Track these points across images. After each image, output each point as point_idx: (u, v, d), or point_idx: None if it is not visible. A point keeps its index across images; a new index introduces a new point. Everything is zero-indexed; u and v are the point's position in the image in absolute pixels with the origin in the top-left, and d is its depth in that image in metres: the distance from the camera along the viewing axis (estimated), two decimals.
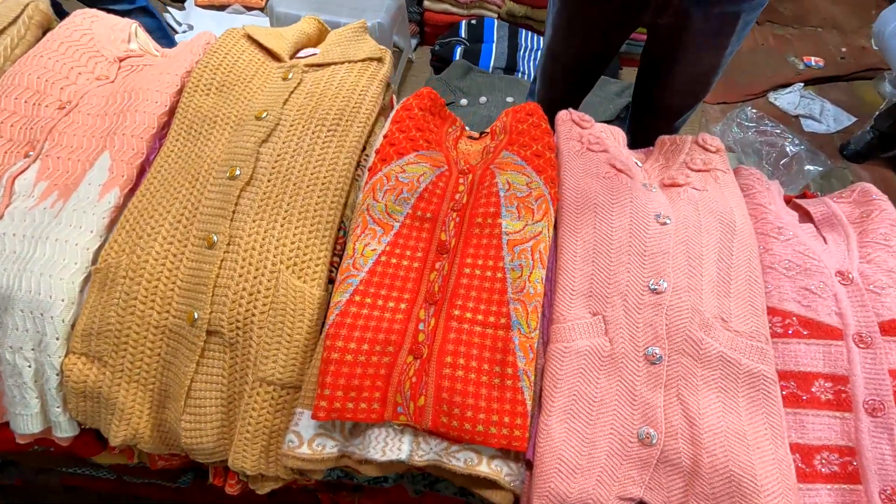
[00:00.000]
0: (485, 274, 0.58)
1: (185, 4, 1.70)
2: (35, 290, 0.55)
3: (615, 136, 0.73)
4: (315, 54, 0.80)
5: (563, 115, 0.73)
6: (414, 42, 1.75)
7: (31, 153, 0.65)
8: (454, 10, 1.64)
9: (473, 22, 1.58)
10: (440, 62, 1.52)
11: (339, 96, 0.69)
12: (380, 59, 0.77)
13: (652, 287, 0.57)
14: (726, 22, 0.68)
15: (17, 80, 0.69)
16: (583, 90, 0.89)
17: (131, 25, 0.84)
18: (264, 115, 0.66)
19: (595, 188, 0.64)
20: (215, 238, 0.57)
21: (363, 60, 0.76)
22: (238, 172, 0.61)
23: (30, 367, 0.55)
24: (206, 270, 0.56)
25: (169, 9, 1.68)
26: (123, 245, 0.58)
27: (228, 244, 0.57)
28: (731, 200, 0.65)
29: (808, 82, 1.81)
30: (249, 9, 1.74)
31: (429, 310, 0.56)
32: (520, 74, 1.49)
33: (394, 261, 0.59)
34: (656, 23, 0.71)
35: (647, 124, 0.89)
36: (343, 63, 0.75)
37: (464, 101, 1.34)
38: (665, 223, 0.61)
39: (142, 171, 0.66)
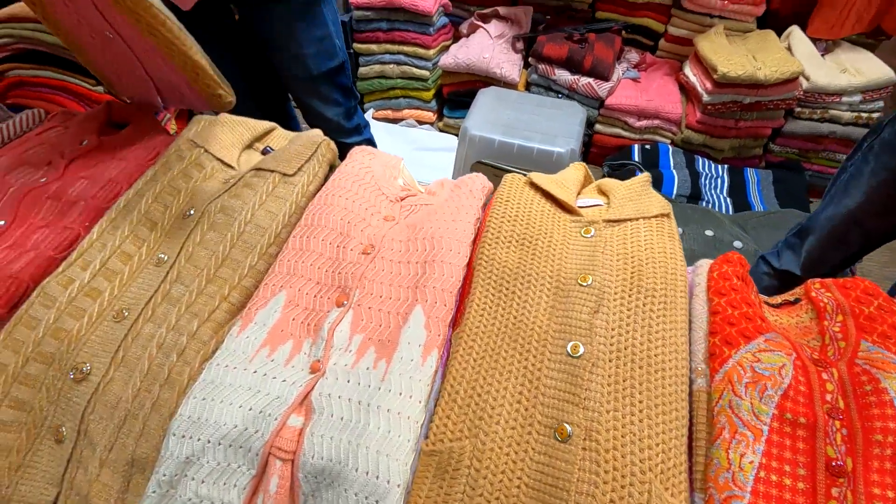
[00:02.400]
0: None
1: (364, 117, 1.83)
2: (373, 471, 0.50)
3: None
4: (599, 206, 0.77)
5: None
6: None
7: (346, 302, 0.63)
8: (625, 133, 1.65)
9: (647, 147, 1.57)
10: None
11: (656, 263, 0.64)
12: (668, 215, 0.73)
13: None
14: None
15: (322, 220, 0.70)
16: (865, 253, 0.81)
17: (400, 162, 0.86)
18: (589, 280, 0.61)
19: None
20: (569, 429, 0.50)
21: (656, 216, 0.72)
22: (581, 350, 0.55)
23: None
24: (561, 470, 0.49)
25: None
26: (460, 424, 0.52)
27: (585, 438, 0.50)
28: None
29: None
30: (421, 123, 1.84)
31: None
32: (705, 203, 1.43)
33: (774, 478, 0.49)
34: None
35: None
36: (638, 219, 0.71)
37: None
38: None
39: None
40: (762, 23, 1.75)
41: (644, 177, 0.79)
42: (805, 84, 1.51)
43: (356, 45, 1.73)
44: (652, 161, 1.53)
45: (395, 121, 1.84)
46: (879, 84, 1.46)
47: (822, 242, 0.83)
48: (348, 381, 0.56)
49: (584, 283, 0.61)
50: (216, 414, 0.52)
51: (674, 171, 1.49)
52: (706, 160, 1.56)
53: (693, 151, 1.58)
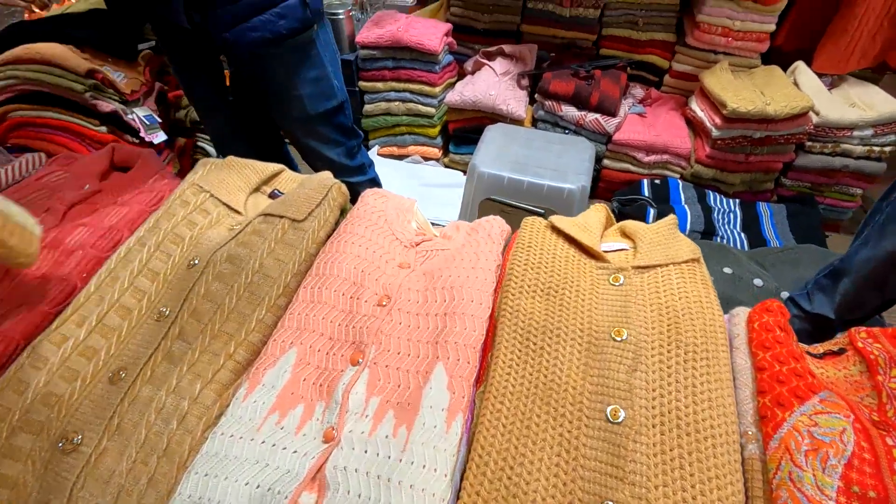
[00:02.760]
0: None
1: (369, 154, 1.82)
2: None
3: None
4: (624, 250, 0.74)
5: None
6: None
7: (361, 360, 0.58)
8: (634, 168, 1.64)
9: (657, 182, 1.55)
10: None
11: (694, 313, 0.60)
12: (698, 260, 0.69)
13: None
14: None
15: (334, 269, 0.66)
16: None
17: (414, 204, 0.83)
18: (624, 334, 0.57)
19: None
20: None
21: (686, 262, 0.68)
22: (622, 416, 0.50)
23: None
24: None
25: None
26: (492, 503, 0.47)
27: None
28: None
29: None
30: (426, 159, 1.82)
31: None
32: (719, 239, 1.40)
33: None
34: None
35: None
36: (668, 265, 0.67)
37: None
38: None
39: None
40: (766, 59, 1.76)
41: (671, 219, 0.75)
42: (815, 119, 1.51)
43: (362, 83, 1.73)
44: (663, 196, 1.51)
45: (400, 157, 1.82)
46: (892, 118, 1.46)
47: (858, 286, 0.79)
48: (366, 452, 0.50)
49: (619, 338, 0.57)
50: (220, 493, 0.47)
51: (686, 207, 1.46)
52: (717, 195, 1.53)
53: (703, 186, 1.57)
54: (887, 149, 1.52)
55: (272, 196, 0.84)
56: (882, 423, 0.52)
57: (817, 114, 1.50)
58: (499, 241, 0.73)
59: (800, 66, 1.67)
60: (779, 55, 1.78)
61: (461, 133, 1.74)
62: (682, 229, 1.40)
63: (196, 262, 0.66)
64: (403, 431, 0.52)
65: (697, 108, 1.62)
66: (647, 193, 1.53)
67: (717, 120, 1.50)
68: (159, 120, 1.39)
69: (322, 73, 1.05)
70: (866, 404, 0.58)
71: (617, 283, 0.64)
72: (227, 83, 1.15)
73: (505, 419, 0.53)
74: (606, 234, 0.81)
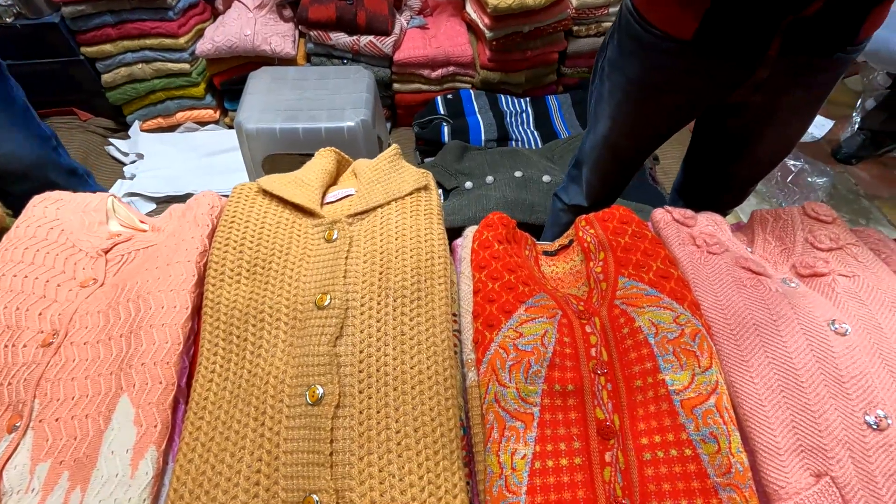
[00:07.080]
0: (669, 454, 0.45)
1: (130, 132, 1.53)
2: None
3: (719, 226, 0.64)
4: (350, 196, 0.67)
5: (662, 217, 0.62)
6: (388, 125, 1.66)
7: (18, 423, 0.47)
8: (426, 87, 1.56)
9: (450, 96, 1.50)
10: (427, 145, 1.42)
11: (407, 251, 0.56)
12: (426, 187, 0.65)
13: (870, 423, 0.46)
14: (826, 86, 0.61)
15: None
16: (636, 170, 0.81)
17: (107, 200, 0.68)
18: (327, 300, 0.52)
19: (741, 303, 0.53)
20: (316, 500, 0.42)
21: (411, 194, 0.64)
22: (321, 392, 0.46)
23: None
24: None
25: (112, 140, 1.50)
26: None
27: None
28: (893, 283, 0.56)
29: None
30: (203, 124, 1.59)
31: None
32: (513, 143, 1.41)
33: (550, 464, 0.45)
34: (746, 101, 0.63)
35: (713, 197, 0.81)
36: (390, 203, 0.63)
37: (469, 185, 1.24)
38: (845, 333, 0.51)
39: (175, 406, 0.50)
40: None
41: (392, 150, 0.70)
42: (575, 2, 1.53)
43: (84, 49, 1.40)
44: (457, 110, 1.48)
45: (171, 128, 1.57)
46: None
47: (592, 172, 0.82)
48: None
49: (322, 305, 0.51)
50: None
51: (479, 117, 1.45)
52: (509, 97, 1.54)
53: (494, 91, 1.56)
54: None
55: None
56: (585, 312, 0.54)
57: None
58: (205, 221, 0.62)
59: None
60: None
61: (230, 86, 1.53)
62: (478, 141, 1.39)
63: None
64: (77, 495, 0.43)
65: (471, 10, 1.56)
66: (442, 111, 1.49)
67: (487, 20, 1.46)
68: None
69: None
70: (580, 295, 0.60)
71: (331, 240, 0.58)
72: None
73: (204, 436, 0.46)
74: (342, 178, 0.74)
